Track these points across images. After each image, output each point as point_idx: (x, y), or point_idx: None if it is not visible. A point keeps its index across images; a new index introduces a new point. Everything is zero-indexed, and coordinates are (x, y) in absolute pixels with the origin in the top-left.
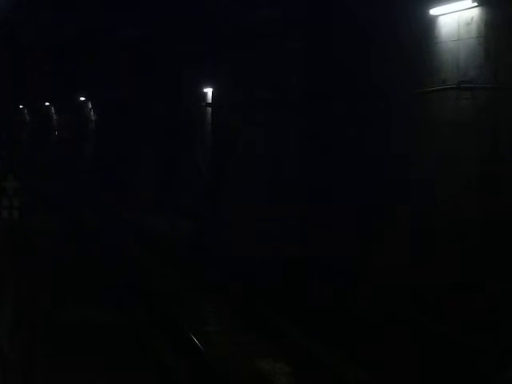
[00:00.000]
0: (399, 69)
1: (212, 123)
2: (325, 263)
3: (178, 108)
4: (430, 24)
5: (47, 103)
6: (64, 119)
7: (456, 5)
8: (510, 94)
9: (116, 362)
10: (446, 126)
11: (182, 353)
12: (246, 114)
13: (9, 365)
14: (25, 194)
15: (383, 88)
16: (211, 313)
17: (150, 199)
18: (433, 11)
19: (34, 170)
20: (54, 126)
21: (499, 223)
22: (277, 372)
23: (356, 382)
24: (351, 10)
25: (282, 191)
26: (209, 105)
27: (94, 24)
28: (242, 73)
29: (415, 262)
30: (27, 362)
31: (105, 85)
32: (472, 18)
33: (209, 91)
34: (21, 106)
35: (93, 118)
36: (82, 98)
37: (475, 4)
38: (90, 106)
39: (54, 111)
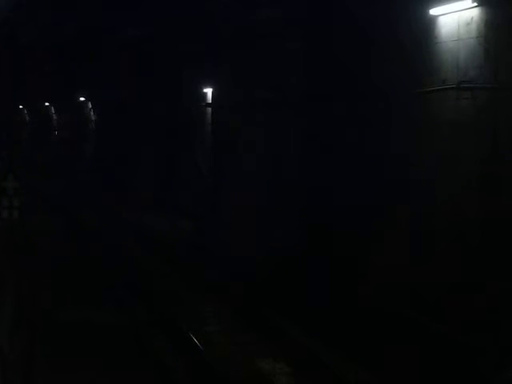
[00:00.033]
0: (399, 69)
1: (212, 123)
2: (325, 263)
3: (177, 108)
4: (429, 24)
5: (47, 103)
6: (64, 119)
7: (456, 5)
8: (510, 93)
9: (116, 361)
10: (446, 126)
11: (181, 353)
12: (246, 113)
13: (9, 365)
14: (25, 194)
15: (383, 88)
16: (211, 313)
17: (149, 199)
18: (433, 11)
19: (34, 170)
20: (54, 126)
21: (499, 223)
22: (277, 372)
23: (356, 382)
24: (351, 10)
25: (281, 191)
26: (209, 105)
27: (94, 24)
28: (242, 73)
29: (415, 261)
30: (27, 362)
31: (105, 85)
32: (472, 17)
33: (209, 91)
34: (21, 106)
35: (93, 118)
36: (82, 98)
37: (475, 4)
38: (90, 106)
39: (53, 111)
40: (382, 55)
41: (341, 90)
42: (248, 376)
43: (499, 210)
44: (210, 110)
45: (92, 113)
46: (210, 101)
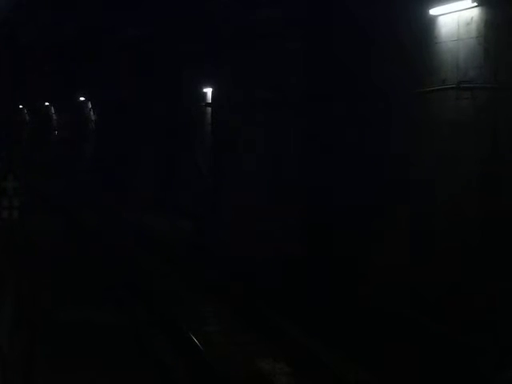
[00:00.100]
0: (399, 69)
1: (212, 123)
2: (325, 263)
3: (177, 108)
4: (429, 24)
5: (47, 103)
6: (64, 119)
7: (456, 5)
8: (510, 93)
9: (116, 361)
10: (446, 126)
11: (181, 353)
12: (246, 113)
13: (9, 365)
14: (25, 194)
15: (383, 88)
16: (211, 313)
17: (149, 199)
18: (433, 11)
19: (34, 170)
20: (54, 125)
21: (499, 223)
22: (277, 372)
23: (356, 382)
24: (351, 10)
25: (281, 191)
26: (209, 105)
27: (94, 24)
28: (242, 73)
29: (415, 261)
30: (27, 362)
31: (105, 85)
32: (472, 17)
33: (209, 91)
34: (21, 106)
35: (93, 118)
36: (82, 98)
37: (475, 4)
38: (90, 106)
39: (53, 111)
40: (382, 55)
41: (341, 90)
42: (248, 376)
43: (499, 210)
44: (209, 109)
45: (92, 113)
46: (209, 101)
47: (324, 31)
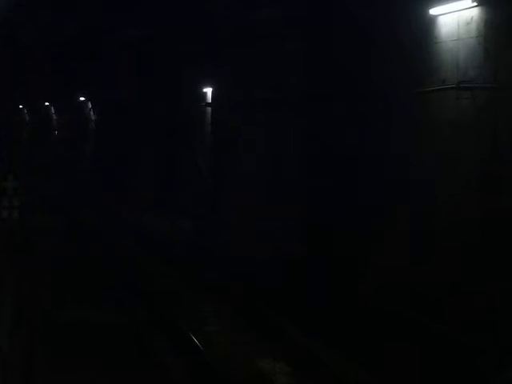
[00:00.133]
0: (399, 69)
1: (212, 123)
2: (325, 263)
3: (177, 108)
4: (429, 24)
5: (47, 103)
6: (64, 119)
7: (456, 4)
8: (510, 93)
9: (116, 361)
10: (446, 126)
11: (181, 353)
12: (246, 113)
13: (9, 365)
14: (25, 194)
15: (383, 88)
16: (211, 313)
17: (149, 199)
18: (432, 11)
19: (34, 170)
20: (54, 126)
21: (499, 223)
22: (277, 372)
23: (356, 382)
24: (351, 10)
25: (281, 191)
26: (209, 105)
27: (94, 24)
28: (242, 73)
29: (415, 261)
30: (27, 362)
31: (105, 85)
32: (472, 17)
33: (209, 91)
34: (21, 106)
35: (93, 118)
36: (82, 98)
37: (475, 4)
38: (90, 106)
39: (53, 111)
40: (382, 55)
41: (341, 90)
42: (248, 376)
43: (499, 210)
44: (209, 109)
45: (92, 113)
46: (209, 101)
47: (324, 31)
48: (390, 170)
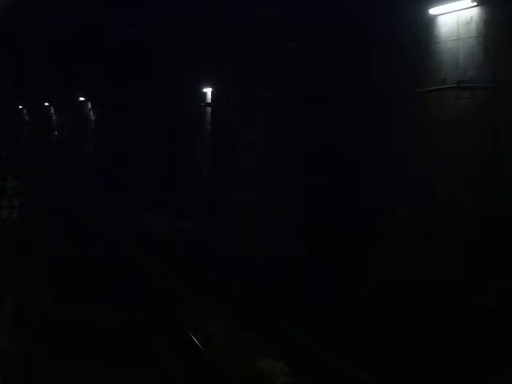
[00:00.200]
0: (399, 69)
1: (212, 123)
2: (325, 263)
3: (177, 108)
4: (429, 24)
5: (47, 103)
6: (64, 119)
7: (455, 4)
8: (510, 93)
9: (116, 361)
10: (446, 126)
11: (181, 353)
12: (246, 113)
13: (9, 364)
14: (25, 194)
15: (383, 88)
16: (211, 313)
17: (150, 199)
18: (432, 11)
19: (34, 169)
20: (54, 126)
21: (499, 223)
22: (277, 371)
23: (356, 382)
24: (351, 10)
25: (281, 191)
26: (209, 104)
27: (94, 24)
28: (242, 73)
29: (415, 261)
30: (27, 362)
31: (105, 85)
32: (471, 17)
33: (208, 91)
34: (20, 106)
35: (93, 118)
36: (82, 98)
37: (474, 3)
38: (90, 106)
39: (53, 111)
40: (382, 55)
41: (341, 90)
42: (248, 376)
43: (499, 210)
44: (209, 109)
45: (92, 113)
46: (209, 101)
47: (324, 31)
48: (390, 169)
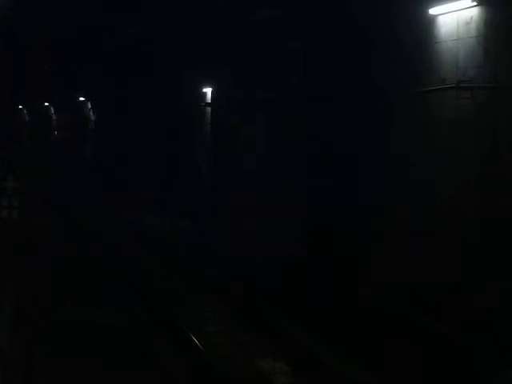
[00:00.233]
0: (399, 69)
1: (212, 123)
2: (325, 263)
3: (177, 108)
4: (429, 23)
5: (47, 103)
6: (64, 119)
7: (455, 4)
8: (510, 93)
9: (116, 361)
10: (446, 126)
11: (181, 353)
12: (246, 113)
13: (9, 364)
14: (25, 194)
15: (383, 88)
16: (211, 313)
17: (149, 199)
18: (432, 11)
19: (34, 169)
20: (54, 126)
21: (499, 223)
22: (277, 371)
23: (356, 382)
24: (351, 10)
25: (281, 191)
26: (209, 104)
27: (94, 24)
28: (242, 73)
29: (415, 261)
30: (27, 362)
31: (105, 85)
32: (471, 17)
33: (208, 91)
34: (20, 106)
35: (92, 118)
36: (82, 98)
37: (474, 3)
38: (90, 106)
39: (53, 111)
40: (382, 55)
41: (341, 90)
42: (248, 376)
43: (499, 210)
44: (209, 109)
45: (92, 113)
46: (209, 101)
47: (324, 31)
48: (390, 169)
